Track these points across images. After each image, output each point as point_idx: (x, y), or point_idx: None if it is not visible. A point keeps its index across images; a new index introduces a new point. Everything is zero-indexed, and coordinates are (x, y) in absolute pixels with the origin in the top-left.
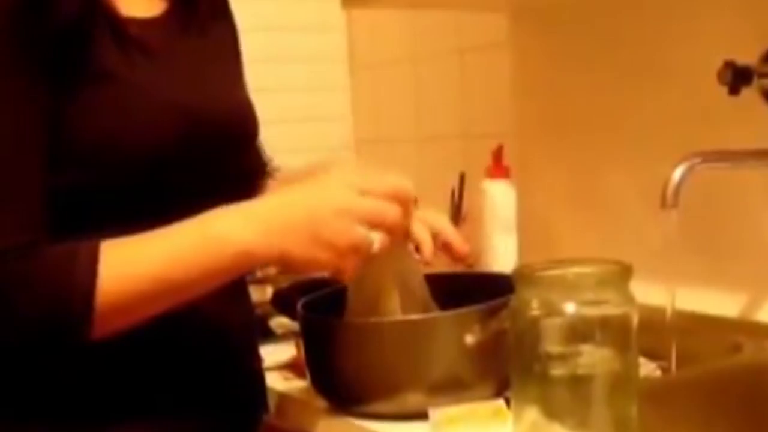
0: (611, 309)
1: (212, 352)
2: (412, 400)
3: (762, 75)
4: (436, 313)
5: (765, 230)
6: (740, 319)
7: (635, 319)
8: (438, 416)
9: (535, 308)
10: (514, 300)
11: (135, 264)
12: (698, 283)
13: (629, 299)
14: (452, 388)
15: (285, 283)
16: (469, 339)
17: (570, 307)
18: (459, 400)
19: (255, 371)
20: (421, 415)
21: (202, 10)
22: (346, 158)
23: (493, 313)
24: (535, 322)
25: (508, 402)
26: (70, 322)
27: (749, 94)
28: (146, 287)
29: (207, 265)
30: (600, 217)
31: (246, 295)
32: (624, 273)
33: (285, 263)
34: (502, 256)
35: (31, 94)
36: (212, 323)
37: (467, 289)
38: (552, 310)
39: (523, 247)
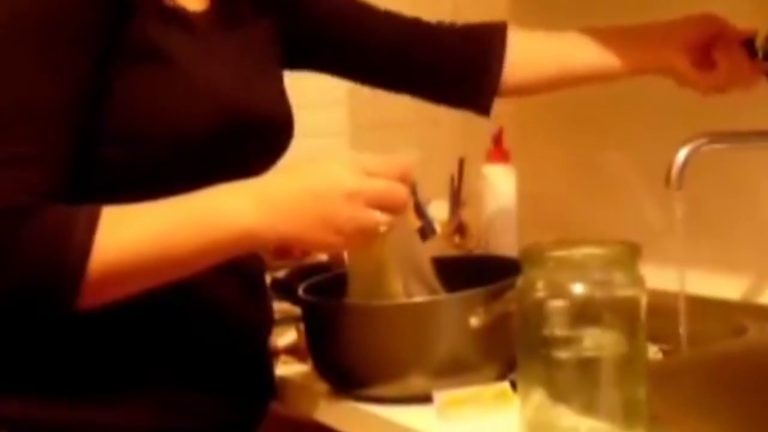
0: (620, 290)
1: (225, 343)
2: (417, 383)
3: (765, 55)
4: (441, 296)
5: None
6: (745, 301)
7: (644, 301)
8: (442, 399)
9: (541, 289)
10: (520, 280)
11: (135, 230)
12: (702, 266)
13: (638, 280)
14: (457, 371)
15: (283, 268)
16: (474, 321)
17: (577, 288)
18: (464, 383)
19: (264, 360)
20: (426, 398)
21: (244, 8)
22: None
23: (497, 295)
24: (541, 304)
25: (513, 385)
26: (60, 285)
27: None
28: (144, 255)
29: (208, 242)
30: (602, 200)
31: (264, 290)
32: (632, 253)
33: (289, 245)
34: (503, 240)
35: (71, 63)
36: (229, 318)
37: (471, 271)
38: (559, 291)
39: (523, 231)
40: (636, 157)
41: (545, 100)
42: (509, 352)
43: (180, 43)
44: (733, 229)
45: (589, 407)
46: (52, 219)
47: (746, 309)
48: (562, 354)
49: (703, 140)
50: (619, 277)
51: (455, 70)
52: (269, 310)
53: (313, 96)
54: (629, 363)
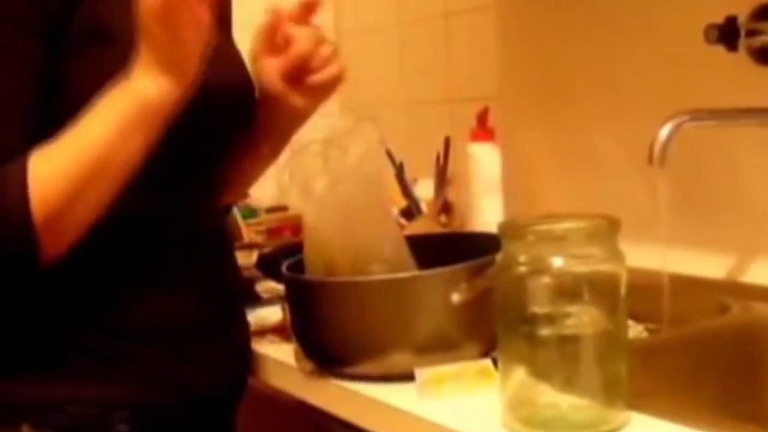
0: (600, 265)
1: (189, 322)
2: (399, 360)
3: (749, 33)
4: (422, 272)
5: (753, 191)
6: (728, 280)
7: (624, 276)
8: (425, 376)
9: (521, 263)
10: (500, 255)
11: (59, 149)
12: (685, 244)
13: (618, 255)
14: (439, 348)
15: (270, 246)
16: (456, 297)
17: (557, 262)
18: (446, 360)
19: (238, 337)
20: (408, 376)
21: None
22: None
23: (479, 271)
24: (521, 279)
25: (495, 362)
26: (15, 239)
27: (737, 52)
28: (74, 163)
29: (118, 118)
30: (586, 178)
31: (228, 263)
32: (612, 227)
33: (180, 80)
34: (487, 218)
35: (20, 49)
36: (190, 296)
37: (456, 249)
38: (539, 265)
39: (508, 209)
40: (621, 135)
41: (530, 78)
42: (492, 329)
43: (130, 22)
44: (717, 207)
45: (569, 384)
46: None
47: (729, 287)
48: (543, 330)
49: (685, 117)
50: (598, 251)
51: None
52: (234, 281)
53: None
54: (610, 339)
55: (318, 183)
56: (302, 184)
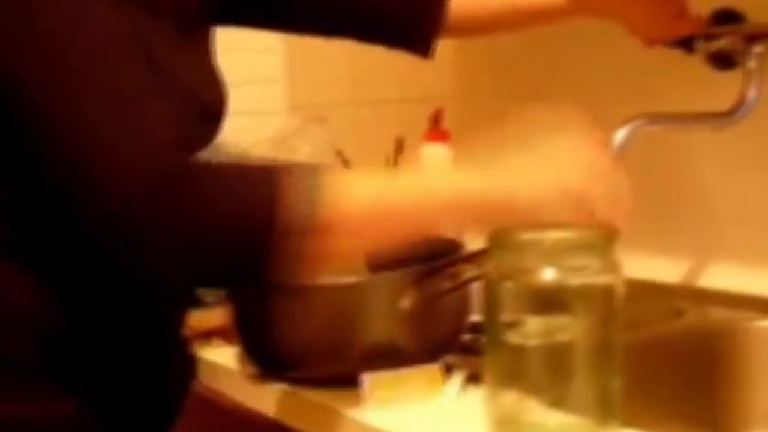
0: (594, 277)
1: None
2: (346, 365)
3: (707, 37)
4: (370, 276)
5: (708, 195)
6: (683, 284)
7: (620, 288)
8: (371, 382)
9: (509, 274)
10: (487, 265)
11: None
12: (641, 248)
13: (613, 266)
14: (387, 354)
15: None
16: (405, 303)
17: (548, 274)
18: (394, 366)
19: (178, 341)
20: (355, 381)
21: None
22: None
23: (429, 276)
24: (509, 290)
25: (447, 368)
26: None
27: (694, 57)
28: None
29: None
30: None
31: None
32: (608, 238)
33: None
34: None
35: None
36: None
37: (406, 252)
38: (528, 277)
39: None
40: None
41: (487, 79)
42: (441, 334)
43: None
44: (673, 211)
45: (559, 401)
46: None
47: (685, 292)
48: (532, 343)
49: (641, 121)
50: (593, 263)
51: (396, 8)
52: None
53: (249, 73)
54: (603, 353)
55: None
56: None
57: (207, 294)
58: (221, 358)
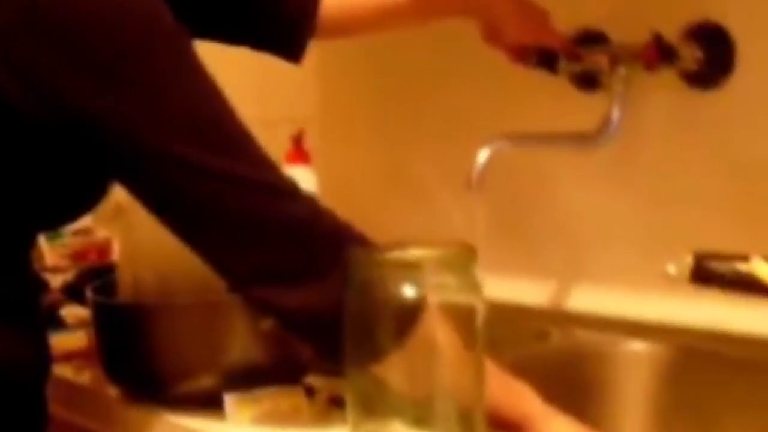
0: (454, 295)
1: None
2: (207, 385)
3: (571, 58)
4: (231, 296)
5: (572, 216)
6: (547, 307)
7: (481, 308)
8: (233, 402)
9: (372, 293)
10: (349, 284)
11: None
12: (504, 270)
13: (474, 286)
14: (248, 374)
15: (74, 270)
16: (265, 323)
17: (409, 292)
18: (256, 386)
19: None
20: (218, 401)
21: None
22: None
23: None
24: (371, 308)
25: (308, 390)
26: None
27: (558, 77)
28: None
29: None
30: (406, 203)
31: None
32: (468, 256)
33: None
34: None
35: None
36: None
37: None
38: (391, 294)
39: None
40: (440, 158)
41: (349, 99)
42: (303, 355)
43: None
44: (536, 232)
45: (422, 419)
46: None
47: (549, 314)
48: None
49: (503, 141)
50: (453, 281)
51: (266, 10)
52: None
53: None
54: (464, 371)
55: (130, 202)
56: (114, 202)
57: (69, 316)
58: (83, 380)
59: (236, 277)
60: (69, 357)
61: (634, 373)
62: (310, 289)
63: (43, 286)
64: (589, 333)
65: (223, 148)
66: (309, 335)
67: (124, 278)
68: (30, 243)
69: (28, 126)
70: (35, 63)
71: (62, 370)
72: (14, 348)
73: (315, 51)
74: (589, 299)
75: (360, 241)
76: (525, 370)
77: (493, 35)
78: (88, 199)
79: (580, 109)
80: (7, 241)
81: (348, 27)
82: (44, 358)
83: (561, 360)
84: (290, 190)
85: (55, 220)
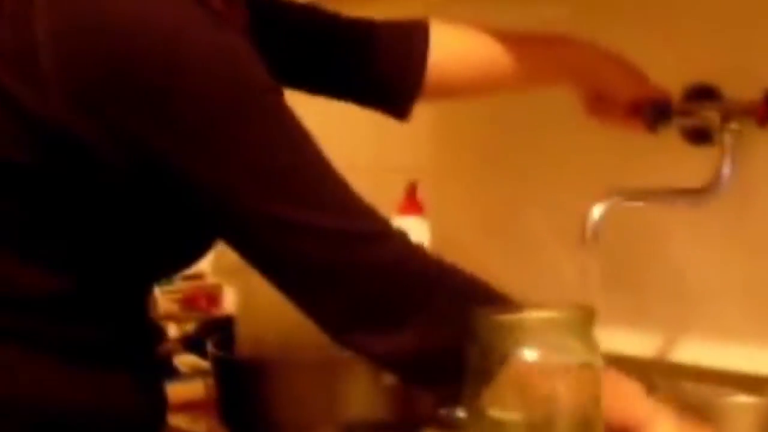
0: (574, 356)
1: None
2: None
3: (682, 113)
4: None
5: (680, 270)
6: (655, 359)
7: (600, 366)
8: None
9: (492, 354)
10: (470, 345)
11: None
12: (614, 322)
13: (594, 347)
14: (368, 429)
15: (191, 321)
16: (387, 379)
17: (529, 354)
18: None
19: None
20: None
21: None
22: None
23: None
24: (492, 368)
25: None
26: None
27: (669, 131)
28: None
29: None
30: (518, 254)
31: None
32: (587, 318)
33: None
34: None
35: None
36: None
37: None
38: (510, 357)
39: None
40: (552, 213)
41: (463, 151)
42: (420, 409)
43: None
44: (646, 285)
45: None
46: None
47: (657, 366)
48: (513, 418)
49: (617, 197)
50: (573, 342)
51: (374, 68)
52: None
53: None
54: (583, 428)
55: None
56: (235, 258)
57: (183, 365)
58: (199, 430)
59: (330, 326)
60: (185, 407)
61: (741, 425)
62: (398, 332)
63: (161, 334)
64: (697, 385)
65: (311, 202)
66: (406, 377)
67: (244, 332)
68: (146, 291)
69: (108, 172)
70: (124, 122)
71: (178, 420)
72: (133, 395)
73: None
74: (697, 352)
75: (452, 273)
76: None
77: (598, 104)
78: (198, 248)
79: (691, 164)
80: (125, 289)
81: (451, 90)
82: (161, 405)
83: None
84: (378, 234)
85: (168, 269)
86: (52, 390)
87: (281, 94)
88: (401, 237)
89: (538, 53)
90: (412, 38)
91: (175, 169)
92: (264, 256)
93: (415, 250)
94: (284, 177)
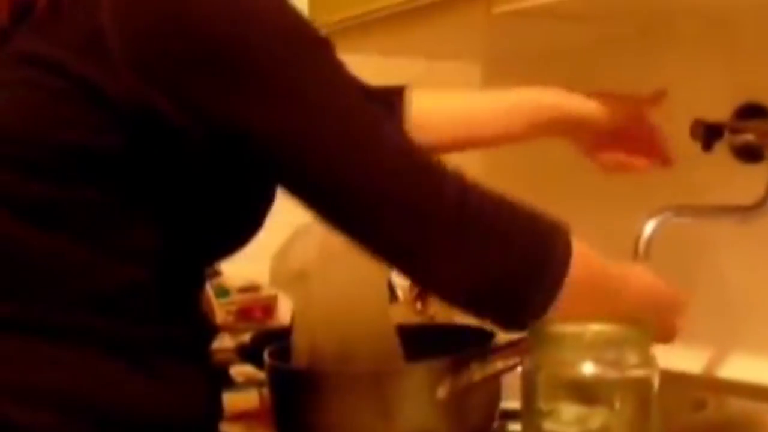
0: (631, 370)
1: None
2: None
3: (733, 131)
4: (408, 365)
5: (729, 286)
6: (704, 375)
7: (656, 381)
8: None
9: (549, 366)
10: (527, 358)
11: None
12: None
13: (650, 360)
14: None
15: (247, 332)
16: (441, 392)
17: (587, 368)
18: None
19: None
20: None
21: None
22: None
23: (463, 365)
24: (547, 380)
25: None
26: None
27: (720, 149)
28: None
29: None
30: None
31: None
32: (645, 333)
33: None
34: None
35: None
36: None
37: (434, 340)
38: (567, 370)
39: None
40: (603, 229)
41: (510, 167)
42: (473, 422)
43: None
44: (694, 301)
45: None
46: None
47: (706, 382)
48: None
49: (669, 213)
50: (631, 357)
51: None
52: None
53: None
54: None
55: (313, 269)
56: (296, 268)
57: (238, 375)
58: None
59: (406, 262)
60: (240, 417)
61: None
62: (475, 265)
63: (214, 329)
64: (745, 401)
65: (375, 138)
66: (480, 306)
67: (300, 343)
68: (198, 280)
69: (185, 145)
70: (193, 86)
71: (233, 429)
72: (191, 395)
73: None
74: (745, 368)
75: (510, 206)
76: None
77: (594, 146)
78: (248, 226)
79: (741, 181)
80: (187, 279)
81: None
82: (217, 403)
83: (717, 429)
84: (436, 166)
85: (224, 251)
86: (112, 387)
87: (333, 47)
88: (458, 173)
89: (512, 111)
90: (393, 102)
91: (246, 126)
92: (336, 198)
93: (474, 184)
94: (351, 117)
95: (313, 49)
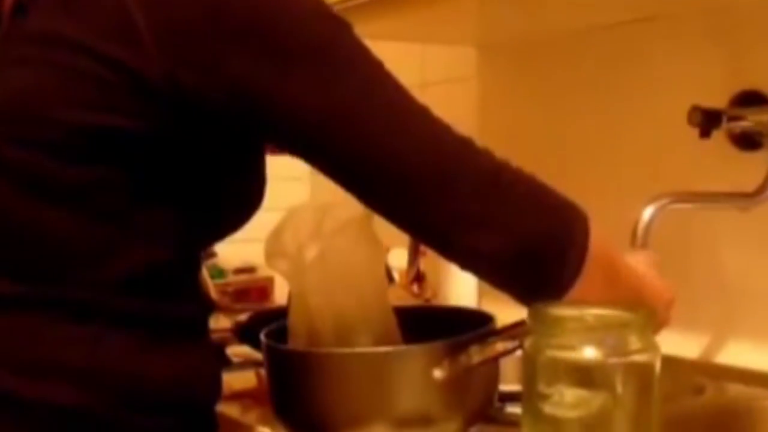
0: (633, 355)
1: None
2: None
3: (730, 118)
4: (405, 346)
5: (728, 272)
6: (702, 360)
7: (658, 366)
8: None
9: (549, 349)
10: (528, 341)
11: None
12: None
13: (652, 345)
14: (419, 423)
15: (244, 312)
16: (438, 373)
17: (589, 352)
18: None
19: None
20: None
21: None
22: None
23: (462, 347)
24: (548, 364)
25: None
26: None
27: (717, 136)
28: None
29: None
30: None
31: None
32: (647, 317)
33: None
34: (460, 290)
35: None
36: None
37: (431, 322)
38: (568, 353)
39: (482, 283)
40: (601, 215)
41: (510, 155)
42: (472, 405)
43: None
44: (693, 287)
45: None
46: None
47: (704, 368)
48: (569, 415)
49: (667, 200)
50: (633, 341)
51: None
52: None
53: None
54: (639, 427)
55: (308, 249)
56: (291, 248)
57: (235, 355)
58: (249, 420)
59: (439, 230)
60: (236, 396)
61: None
62: (508, 231)
63: (212, 306)
64: (743, 387)
65: (407, 111)
66: (511, 276)
67: (297, 324)
68: (199, 260)
69: (213, 125)
70: (223, 63)
71: (229, 409)
72: (201, 362)
73: (474, 103)
74: (744, 354)
75: (540, 182)
76: (680, 423)
77: None
78: (255, 204)
79: (740, 169)
80: (191, 255)
81: None
82: (217, 378)
83: (715, 414)
84: (468, 142)
85: (226, 228)
86: (130, 364)
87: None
88: (489, 150)
89: None
90: None
91: (277, 102)
92: (371, 174)
93: (505, 161)
94: (394, 91)
95: (342, 26)
